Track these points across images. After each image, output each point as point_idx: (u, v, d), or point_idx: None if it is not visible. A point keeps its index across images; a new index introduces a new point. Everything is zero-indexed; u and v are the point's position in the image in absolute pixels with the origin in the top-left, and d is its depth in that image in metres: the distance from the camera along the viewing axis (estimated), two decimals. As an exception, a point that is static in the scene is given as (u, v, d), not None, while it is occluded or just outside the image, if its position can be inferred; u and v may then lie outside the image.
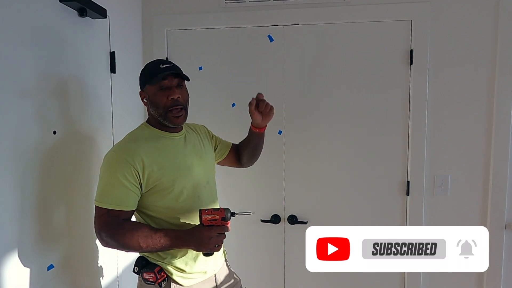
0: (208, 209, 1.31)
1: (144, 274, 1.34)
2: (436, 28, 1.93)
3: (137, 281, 1.43)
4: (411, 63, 1.96)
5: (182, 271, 1.36)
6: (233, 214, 1.34)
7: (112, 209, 1.23)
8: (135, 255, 1.43)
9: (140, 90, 1.40)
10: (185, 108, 1.38)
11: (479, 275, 2.00)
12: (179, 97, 1.34)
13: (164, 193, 1.32)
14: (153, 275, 1.32)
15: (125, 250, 1.31)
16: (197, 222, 1.34)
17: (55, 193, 1.43)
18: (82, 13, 1.55)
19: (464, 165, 1.97)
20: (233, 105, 2.11)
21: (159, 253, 1.35)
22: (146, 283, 1.34)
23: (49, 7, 1.40)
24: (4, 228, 1.19)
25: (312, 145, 2.08)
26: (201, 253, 1.35)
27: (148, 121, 1.43)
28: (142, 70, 1.40)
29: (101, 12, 1.63)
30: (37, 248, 1.33)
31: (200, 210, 1.30)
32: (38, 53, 1.33)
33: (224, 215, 1.30)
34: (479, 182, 1.97)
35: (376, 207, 2.06)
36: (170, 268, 1.35)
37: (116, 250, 1.55)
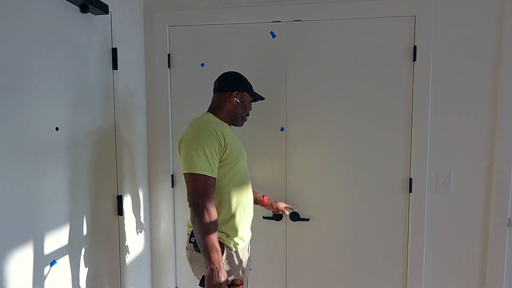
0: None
1: None
2: (440, 24, 1.92)
3: (185, 252, 1.67)
4: (414, 59, 1.95)
5: (235, 237, 1.61)
6: None
7: (208, 177, 1.46)
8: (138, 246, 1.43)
9: (236, 91, 1.64)
10: None
11: (482, 272, 2.00)
12: None
13: (230, 166, 1.57)
14: None
15: (197, 222, 1.44)
16: (247, 196, 1.65)
17: (59, 190, 1.43)
18: (84, 9, 1.55)
19: (467, 162, 1.96)
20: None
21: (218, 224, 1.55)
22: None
23: (51, 3, 1.39)
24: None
25: (314, 141, 2.07)
26: (246, 224, 1.65)
27: (212, 112, 1.66)
28: (241, 77, 1.69)
29: (103, 8, 1.62)
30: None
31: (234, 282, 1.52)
32: (39, 49, 1.33)
33: None
34: (482, 180, 1.96)
35: (378, 204, 2.05)
36: (223, 236, 1.58)
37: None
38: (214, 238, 1.44)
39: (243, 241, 1.65)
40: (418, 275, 2.04)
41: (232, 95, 1.63)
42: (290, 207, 2.02)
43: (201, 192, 1.44)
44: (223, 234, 1.58)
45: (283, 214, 2.06)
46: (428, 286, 2.05)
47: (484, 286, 2.01)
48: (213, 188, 1.49)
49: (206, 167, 1.45)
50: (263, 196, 1.99)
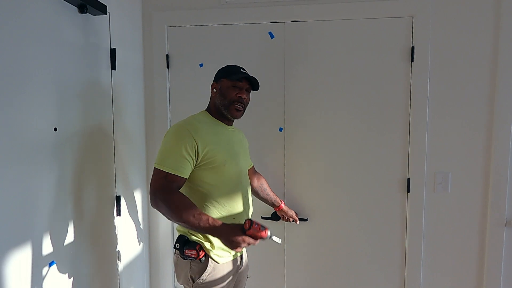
0: (258, 224, 1.33)
1: (186, 250, 1.49)
2: (438, 25, 1.93)
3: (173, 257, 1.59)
4: (412, 60, 1.96)
5: (218, 249, 1.51)
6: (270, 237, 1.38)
7: (170, 173, 1.38)
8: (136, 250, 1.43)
9: (213, 82, 1.61)
10: (244, 109, 1.61)
11: (479, 271, 2.01)
12: (244, 98, 1.58)
13: (214, 170, 1.49)
14: (195, 251, 1.48)
15: (168, 216, 1.37)
16: (237, 204, 1.55)
17: (57, 191, 1.43)
18: (82, 9, 1.55)
19: (465, 162, 1.97)
20: (234, 102, 2.11)
21: (201, 233, 1.47)
22: (186, 259, 1.50)
23: (49, 3, 1.39)
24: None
25: (312, 142, 2.08)
26: None
27: (208, 110, 1.63)
28: (222, 68, 1.63)
29: (101, 9, 1.62)
30: (45, 241, 1.33)
31: (251, 221, 1.32)
32: (38, 50, 1.33)
33: (266, 235, 1.33)
34: (479, 179, 1.97)
35: (376, 204, 2.06)
36: (209, 247, 1.50)
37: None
38: (192, 213, 1.32)
39: (228, 253, 1.55)
40: (416, 274, 2.05)
41: (212, 89, 1.60)
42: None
43: (159, 187, 1.37)
44: (208, 243, 1.50)
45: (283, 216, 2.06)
46: (426, 285, 2.06)
47: (481, 286, 2.02)
48: (176, 183, 1.39)
49: (171, 164, 1.38)
50: (280, 200, 1.98)
